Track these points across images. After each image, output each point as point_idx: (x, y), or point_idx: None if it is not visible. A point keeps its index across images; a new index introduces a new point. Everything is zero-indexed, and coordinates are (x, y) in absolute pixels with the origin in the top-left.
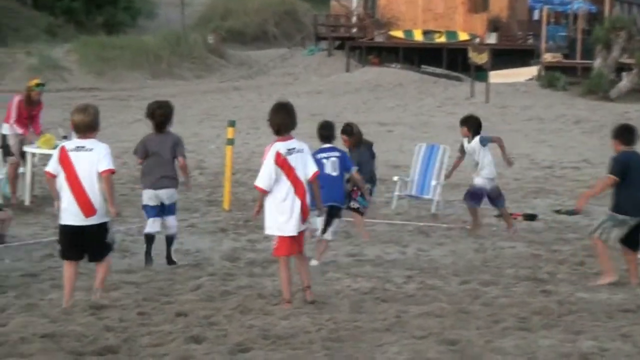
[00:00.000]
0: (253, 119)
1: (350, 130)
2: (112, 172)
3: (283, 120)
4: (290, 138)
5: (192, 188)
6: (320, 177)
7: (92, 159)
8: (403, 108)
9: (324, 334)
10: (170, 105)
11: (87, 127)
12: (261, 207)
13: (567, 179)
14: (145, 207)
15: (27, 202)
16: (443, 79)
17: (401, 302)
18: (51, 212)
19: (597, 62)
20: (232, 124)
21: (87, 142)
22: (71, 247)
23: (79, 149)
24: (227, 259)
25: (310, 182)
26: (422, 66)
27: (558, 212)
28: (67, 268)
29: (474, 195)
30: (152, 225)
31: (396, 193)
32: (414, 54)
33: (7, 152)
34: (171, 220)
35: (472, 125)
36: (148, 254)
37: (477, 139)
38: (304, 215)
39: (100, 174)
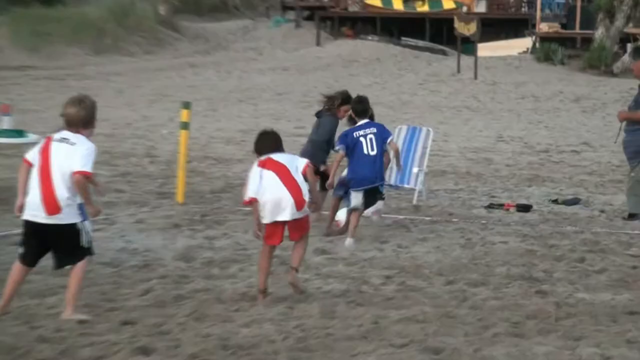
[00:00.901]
0: (211, 99)
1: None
2: (86, 175)
3: (269, 145)
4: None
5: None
6: (357, 157)
7: (70, 154)
8: (381, 86)
9: (290, 343)
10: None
11: (81, 122)
12: (260, 223)
13: (566, 164)
14: None
15: None
16: (426, 53)
17: (379, 305)
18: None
19: (599, 33)
20: (186, 105)
21: (73, 136)
22: (29, 248)
23: (62, 140)
24: (180, 258)
25: (303, 174)
26: (402, 38)
27: (555, 202)
28: (16, 270)
29: None
30: None
31: None
32: (393, 25)
33: None
34: None
35: None
36: None
37: None
38: (298, 205)
39: (72, 174)
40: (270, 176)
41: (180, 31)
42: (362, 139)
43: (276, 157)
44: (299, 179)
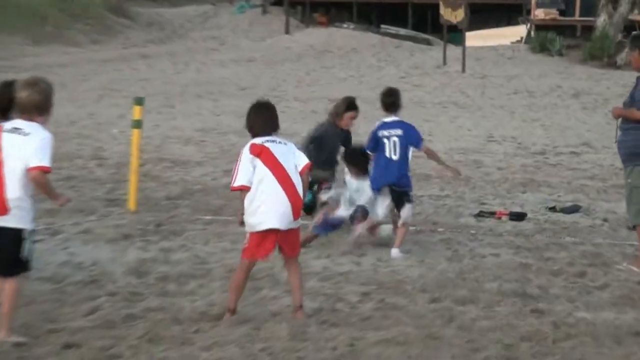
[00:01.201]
0: (166, 94)
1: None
2: (44, 170)
3: (264, 122)
4: (269, 135)
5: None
6: (379, 159)
7: (24, 146)
8: (357, 80)
9: None
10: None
11: (35, 107)
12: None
13: (564, 167)
14: None
15: None
16: (408, 43)
17: (355, 326)
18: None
19: (601, 20)
20: (139, 101)
21: (26, 125)
22: None
23: (14, 130)
24: (132, 273)
25: (301, 175)
26: (382, 26)
27: (552, 209)
28: None
29: None
30: None
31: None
32: (372, 11)
33: None
34: None
35: None
36: None
37: None
38: (295, 211)
39: (27, 171)
40: (264, 172)
41: (132, 18)
42: (385, 140)
43: (273, 148)
44: (297, 180)
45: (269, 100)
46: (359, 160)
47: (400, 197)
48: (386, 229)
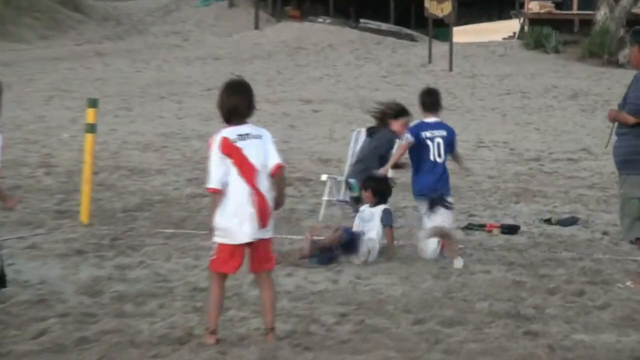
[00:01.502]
0: (124, 96)
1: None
2: None
3: (237, 103)
4: (244, 124)
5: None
6: (422, 163)
7: None
8: (335, 79)
9: None
10: None
11: None
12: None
13: (560, 175)
14: None
15: None
16: (390, 39)
17: (331, 349)
18: None
19: (601, 14)
20: (93, 103)
21: None
22: None
23: None
24: (85, 292)
25: (272, 177)
26: (361, 21)
27: (548, 221)
28: None
29: None
30: None
31: (325, 198)
32: (350, 4)
33: None
34: None
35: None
36: None
37: None
38: (263, 219)
39: None
40: (233, 175)
41: (85, 11)
42: (429, 142)
43: (246, 147)
44: (266, 184)
45: (243, 79)
46: (383, 190)
47: (439, 202)
48: (433, 245)
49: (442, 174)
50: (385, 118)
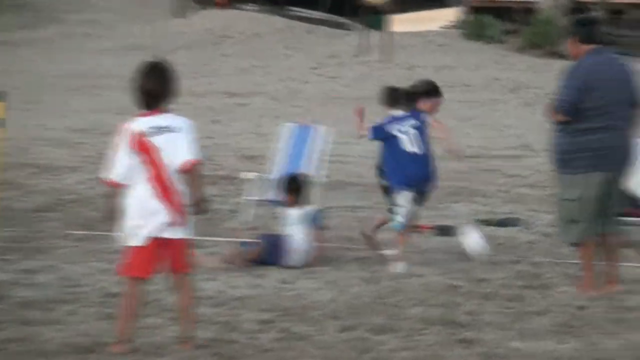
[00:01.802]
0: (35, 88)
1: None
2: None
3: (154, 86)
4: (160, 112)
5: None
6: (398, 156)
7: None
8: (262, 70)
9: None
10: None
11: None
12: (113, 212)
13: (501, 173)
14: None
15: None
16: (321, 27)
17: (254, 358)
18: None
19: (545, 1)
20: (1, 96)
21: None
22: None
23: None
24: None
25: (184, 173)
26: (291, 8)
27: (486, 222)
28: None
29: None
30: None
31: (249, 197)
32: None
33: None
34: None
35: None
36: None
37: None
38: (174, 216)
39: None
40: (140, 170)
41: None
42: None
43: (158, 140)
44: (177, 182)
45: (163, 60)
46: (300, 188)
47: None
48: (479, 242)
49: (422, 165)
50: (414, 96)
